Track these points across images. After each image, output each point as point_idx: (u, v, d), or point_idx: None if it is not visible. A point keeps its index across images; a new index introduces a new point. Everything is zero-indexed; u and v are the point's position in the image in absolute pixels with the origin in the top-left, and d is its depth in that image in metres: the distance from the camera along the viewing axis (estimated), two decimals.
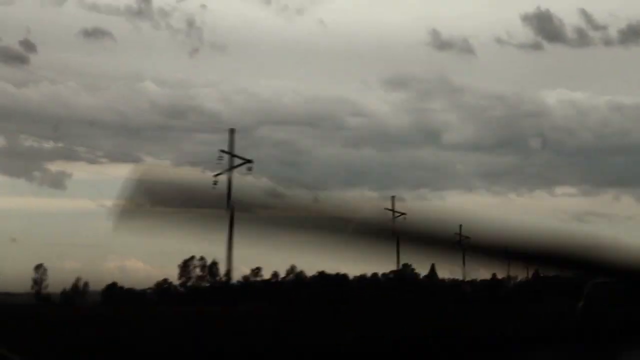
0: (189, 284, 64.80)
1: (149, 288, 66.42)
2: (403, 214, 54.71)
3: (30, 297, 61.91)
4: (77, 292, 63.54)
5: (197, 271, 66.43)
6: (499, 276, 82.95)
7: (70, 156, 57.97)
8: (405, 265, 69.99)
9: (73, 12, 66.21)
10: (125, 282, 64.07)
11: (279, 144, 63.64)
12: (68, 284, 61.00)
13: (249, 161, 50.56)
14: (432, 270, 71.09)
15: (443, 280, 68.99)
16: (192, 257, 64.40)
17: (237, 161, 50.07)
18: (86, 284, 65.39)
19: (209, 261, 64.37)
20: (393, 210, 55.63)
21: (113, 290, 59.78)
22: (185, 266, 64.92)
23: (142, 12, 58.65)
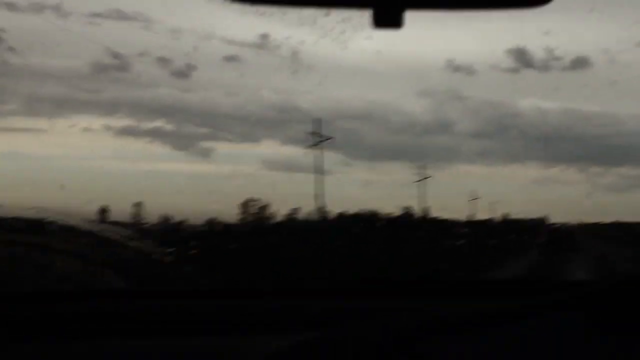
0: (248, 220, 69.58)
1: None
2: (329, 138, 54.81)
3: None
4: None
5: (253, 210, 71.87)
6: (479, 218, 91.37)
7: (215, 137, 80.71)
8: (406, 208, 77.86)
9: (218, 45, 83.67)
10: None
11: (348, 130, 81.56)
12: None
13: None
14: (426, 211, 79.69)
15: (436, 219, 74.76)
16: (251, 199, 70.01)
17: None
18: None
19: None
20: (320, 134, 56.39)
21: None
22: (245, 205, 70.31)
23: (262, 45, 76.30)
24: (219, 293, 2.27)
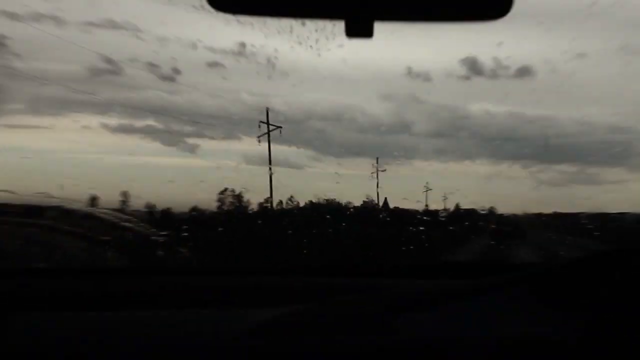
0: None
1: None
2: (279, 127, 46.73)
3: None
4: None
5: (230, 199, 70.99)
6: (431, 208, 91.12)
7: (200, 135, 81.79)
8: (368, 197, 77.29)
9: (202, 52, 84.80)
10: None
11: (317, 130, 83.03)
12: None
13: None
14: (385, 201, 79.40)
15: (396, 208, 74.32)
16: (226, 189, 69.14)
17: None
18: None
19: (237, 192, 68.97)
20: (268, 123, 51.30)
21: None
22: (222, 194, 69.46)
23: (240, 52, 76.79)
24: (208, 270, 2.29)
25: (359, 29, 1.30)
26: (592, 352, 1.18)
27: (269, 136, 47.18)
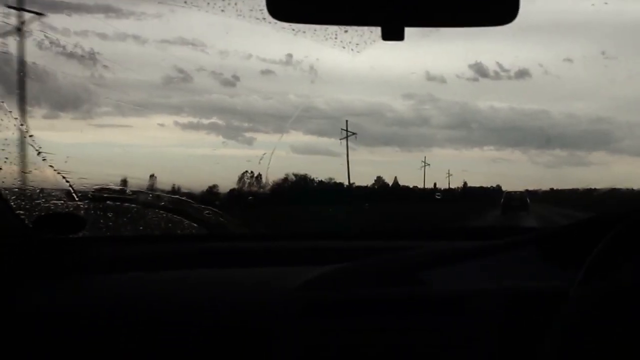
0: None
1: None
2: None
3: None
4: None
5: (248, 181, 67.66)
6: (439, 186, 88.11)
7: (255, 130, 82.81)
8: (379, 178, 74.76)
9: (256, 62, 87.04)
10: None
11: (352, 125, 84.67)
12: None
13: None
14: (395, 181, 76.93)
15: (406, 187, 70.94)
16: (246, 171, 66.41)
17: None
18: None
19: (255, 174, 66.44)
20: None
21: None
22: (241, 177, 65.87)
23: (288, 62, 77.66)
24: (262, 236, 2.25)
25: (393, 33, 1.31)
26: (590, 300, 1.17)
27: None
